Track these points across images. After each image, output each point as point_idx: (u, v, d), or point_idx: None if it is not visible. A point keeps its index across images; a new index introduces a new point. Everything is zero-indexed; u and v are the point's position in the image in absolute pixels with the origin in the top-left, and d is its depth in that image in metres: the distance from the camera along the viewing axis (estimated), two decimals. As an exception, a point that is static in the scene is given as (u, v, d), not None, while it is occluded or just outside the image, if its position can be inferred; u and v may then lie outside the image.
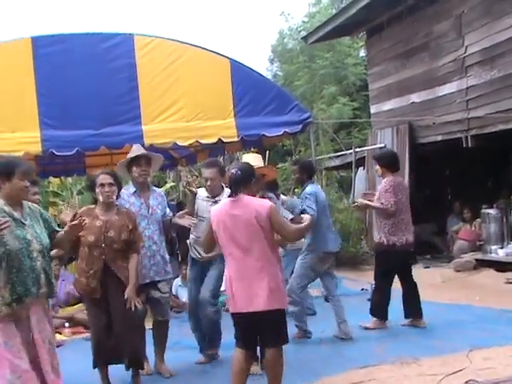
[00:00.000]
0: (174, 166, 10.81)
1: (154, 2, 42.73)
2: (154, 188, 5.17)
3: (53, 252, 3.93)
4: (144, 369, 4.65)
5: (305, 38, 13.26)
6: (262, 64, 22.99)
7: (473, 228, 9.88)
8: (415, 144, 10.30)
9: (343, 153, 12.66)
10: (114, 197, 4.42)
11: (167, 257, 4.97)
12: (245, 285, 3.75)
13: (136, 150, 4.98)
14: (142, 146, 5.40)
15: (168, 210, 5.04)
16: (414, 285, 5.92)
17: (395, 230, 5.74)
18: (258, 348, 4.00)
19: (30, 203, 3.67)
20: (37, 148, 6.25)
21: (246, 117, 6.90)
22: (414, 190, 10.16)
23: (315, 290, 7.19)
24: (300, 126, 7.15)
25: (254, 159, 5.07)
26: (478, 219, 9.67)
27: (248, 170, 4.01)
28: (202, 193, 4.94)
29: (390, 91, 11.09)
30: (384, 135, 10.85)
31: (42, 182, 9.39)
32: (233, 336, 3.93)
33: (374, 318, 5.89)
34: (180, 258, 7.72)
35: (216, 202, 4.55)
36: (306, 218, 4.15)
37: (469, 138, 9.29)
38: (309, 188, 5.55)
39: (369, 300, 6.32)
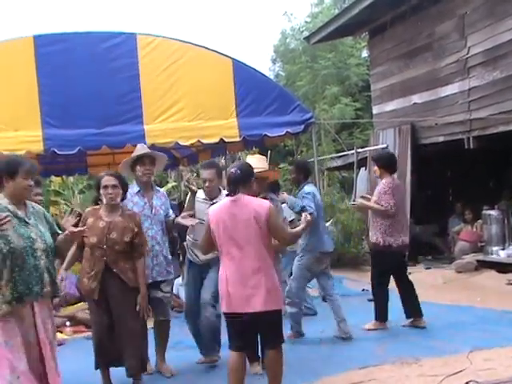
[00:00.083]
0: (176, 165, 10.80)
1: (157, 1, 42.77)
2: (158, 188, 5.16)
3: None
4: (146, 371, 4.63)
5: (307, 38, 13.26)
6: (265, 64, 23.11)
7: (474, 229, 9.87)
8: (417, 145, 10.29)
9: (345, 153, 12.65)
10: (118, 199, 4.39)
11: (170, 257, 4.97)
12: (241, 285, 3.74)
13: (140, 149, 4.97)
14: (144, 145, 5.40)
15: (171, 211, 5.03)
16: (411, 285, 5.94)
17: (392, 231, 5.75)
18: (258, 348, 4.00)
19: (33, 203, 3.67)
20: (38, 147, 6.25)
21: (248, 117, 6.89)
22: (416, 190, 10.18)
23: (314, 289, 7.20)
24: (302, 127, 7.14)
25: (258, 161, 5.01)
26: (480, 220, 9.67)
27: (247, 169, 4.00)
28: (199, 195, 4.89)
29: (393, 92, 11.09)
30: (386, 136, 10.84)
31: (43, 182, 9.39)
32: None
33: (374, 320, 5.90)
34: (181, 258, 7.72)
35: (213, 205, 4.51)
36: (303, 218, 4.12)
37: (471, 139, 9.28)
38: (307, 188, 5.58)
39: (369, 300, 6.31)
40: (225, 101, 6.84)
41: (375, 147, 10.79)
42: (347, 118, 15.94)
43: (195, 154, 9.44)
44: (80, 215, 3.84)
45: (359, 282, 8.50)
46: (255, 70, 7.21)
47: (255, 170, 4.42)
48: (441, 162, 10.96)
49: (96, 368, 4.42)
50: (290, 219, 6.13)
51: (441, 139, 9.96)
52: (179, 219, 4.81)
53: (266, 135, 7.00)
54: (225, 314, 3.88)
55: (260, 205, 3.82)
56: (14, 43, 6.43)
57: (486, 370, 4.33)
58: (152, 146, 6.13)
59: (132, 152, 5.16)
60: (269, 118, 6.97)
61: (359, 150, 11.60)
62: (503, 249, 8.90)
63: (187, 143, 6.86)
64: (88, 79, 6.45)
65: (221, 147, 8.12)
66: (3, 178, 3.43)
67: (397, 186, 5.88)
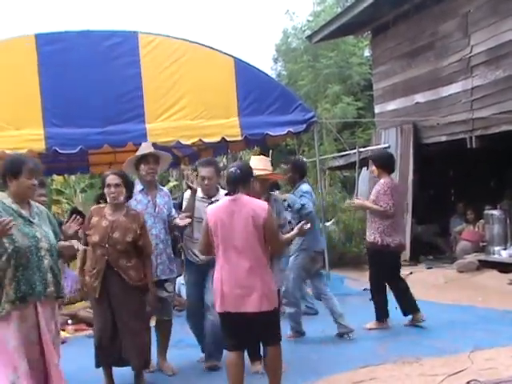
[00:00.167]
0: (177, 164, 10.80)
1: (159, 0, 42.78)
2: (161, 187, 5.16)
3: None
4: (149, 368, 4.65)
5: (309, 37, 13.23)
6: (266, 63, 23.10)
7: (476, 229, 9.85)
8: (419, 144, 10.27)
9: (347, 153, 12.64)
10: (121, 198, 4.37)
11: (172, 255, 4.97)
12: (236, 284, 3.73)
13: (145, 147, 4.97)
14: (146, 144, 5.39)
15: (174, 210, 5.02)
16: (404, 282, 5.98)
17: (390, 231, 5.75)
18: (260, 347, 4.00)
19: (37, 204, 3.66)
20: (40, 146, 6.26)
21: (250, 116, 6.89)
22: (418, 190, 10.17)
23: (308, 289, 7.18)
24: (304, 126, 7.14)
25: (261, 162, 4.95)
26: (482, 220, 9.65)
27: (247, 169, 4.00)
28: (198, 193, 4.86)
29: (395, 91, 11.06)
30: (388, 135, 10.83)
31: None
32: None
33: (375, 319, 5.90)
34: (183, 257, 7.72)
35: (212, 203, 4.47)
36: (300, 226, 4.14)
37: (473, 138, 9.26)
38: (304, 187, 5.59)
39: (371, 300, 6.31)
40: (226, 100, 6.85)
41: (377, 147, 10.75)
42: (349, 117, 15.92)
43: (197, 153, 9.44)
44: (80, 213, 3.85)
45: (360, 281, 8.48)
46: (257, 69, 7.22)
47: (260, 173, 4.41)
48: (443, 162, 10.94)
49: (96, 366, 4.42)
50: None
51: (443, 139, 9.94)
52: (176, 221, 4.77)
53: (267, 134, 7.00)
54: (219, 313, 3.88)
55: (259, 206, 3.82)
56: (15, 42, 6.45)
57: (487, 369, 4.33)
58: (153, 145, 6.13)
59: (134, 151, 5.17)
60: (271, 117, 6.97)
61: (361, 150, 11.57)
62: (505, 249, 8.88)
63: (189, 142, 6.87)
64: (90, 78, 6.47)
65: (222, 146, 8.13)
66: (7, 177, 3.43)
67: (395, 187, 5.88)
